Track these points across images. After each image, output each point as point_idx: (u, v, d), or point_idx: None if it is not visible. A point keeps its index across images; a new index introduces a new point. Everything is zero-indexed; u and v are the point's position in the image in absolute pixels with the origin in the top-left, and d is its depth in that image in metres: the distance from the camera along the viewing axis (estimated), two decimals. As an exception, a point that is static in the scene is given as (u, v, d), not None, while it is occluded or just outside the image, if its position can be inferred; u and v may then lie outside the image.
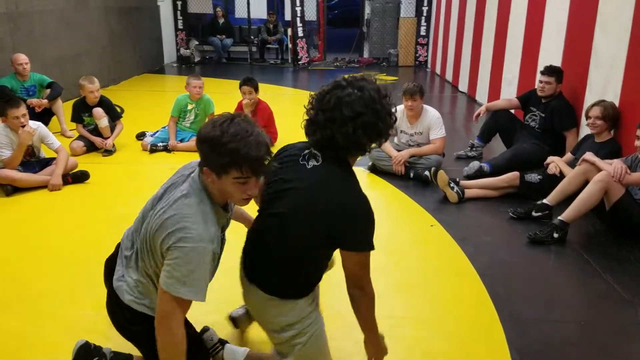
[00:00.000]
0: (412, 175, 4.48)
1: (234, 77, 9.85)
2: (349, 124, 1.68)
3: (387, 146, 4.60)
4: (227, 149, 1.57)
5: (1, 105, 4.11)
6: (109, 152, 5.15)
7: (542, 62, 4.99)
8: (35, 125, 4.24)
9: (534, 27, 5.55)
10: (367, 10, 12.50)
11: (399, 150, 4.59)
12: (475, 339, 2.41)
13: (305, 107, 1.80)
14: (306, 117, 1.79)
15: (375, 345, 1.90)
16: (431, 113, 4.54)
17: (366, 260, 1.77)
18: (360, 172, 4.72)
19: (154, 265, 1.74)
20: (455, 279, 2.95)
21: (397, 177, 4.53)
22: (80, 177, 4.38)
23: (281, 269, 1.81)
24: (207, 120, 5.52)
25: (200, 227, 1.64)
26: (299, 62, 11.72)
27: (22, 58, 5.67)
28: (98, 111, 5.17)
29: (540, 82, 4.46)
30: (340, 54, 13.14)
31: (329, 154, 1.76)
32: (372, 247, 1.74)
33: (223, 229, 1.84)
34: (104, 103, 5.29)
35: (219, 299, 2.22)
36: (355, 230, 1.72)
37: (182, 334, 1.67)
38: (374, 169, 4.69)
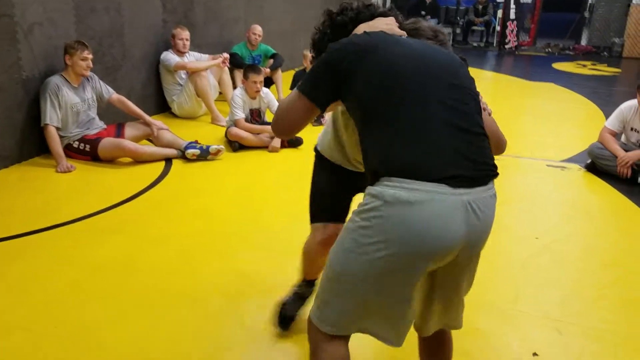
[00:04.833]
0: (639, 180, 4.00)
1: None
2: None
3: (613, 144, 4.16)
4: None
5: (246, 70, 4.66)
6: (319, 122, 5.49)
7: None
8: (264, 92, 4.70)
9: None
10: (592, -7, 11.35)
11: (626, 150, 4.12)
12: None
13: None
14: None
15: None
16: (674, 111, 3.98)
17: (290, 98, 1.50)
18: (576, 170, 4.35)
19: None
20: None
21: (620, 180, 4.07)
22: (295, 142, 4.75)
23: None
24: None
25: None
26: (506, 46, 11.11)
27: (258, 29, 6.27)
28: (314, 83, 5.54)
29: None
30: (552, 40, 12.16)
31: None
32: (301, 88, 1.46)
33: None
34: (321, 75, 5.64)
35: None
36: None
37: None
38: (593, 168, 4.28)
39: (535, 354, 2.10)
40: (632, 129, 4.18)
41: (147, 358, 2.03)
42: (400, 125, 1.34)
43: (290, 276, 2.35)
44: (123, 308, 2.32)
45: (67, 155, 3.98)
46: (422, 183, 1.27)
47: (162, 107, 5.47)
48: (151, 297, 2.42)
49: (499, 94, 7.73)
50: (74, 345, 2.08)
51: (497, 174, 1.41)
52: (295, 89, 1.50)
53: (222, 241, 3.00)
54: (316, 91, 1.45)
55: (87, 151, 4.05)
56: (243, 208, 3.48)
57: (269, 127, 4.70)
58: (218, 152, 4.29)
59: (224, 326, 2.22)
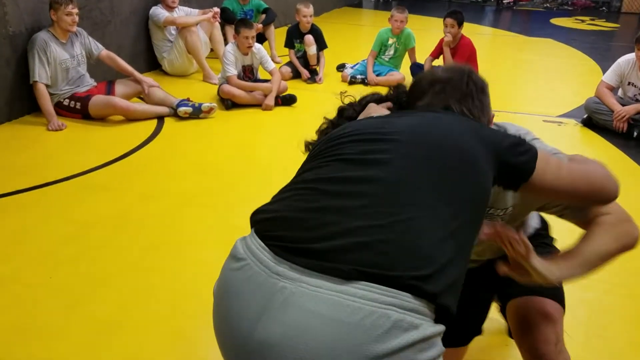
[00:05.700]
0: (635, 134, 3.98)
1: (429, 13, 9.55)
2: None
3: (610, 98, 4.12)
4: None
5: (237, 24, 4.55)
6: (312, 79, 5.40)
7: None
8: (256, 47, 4.60)
9: None
10: (592, -55, 11.07)
11: (623, 105, 4.09)
12: None
13: None
14: None
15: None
16: (672, 65, 3.93)
17: None
18: (572, 125, 4.33)
19: None
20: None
21: (616, 135, 4.06)
22: (289, 100, 4.69)
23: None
24: (406, 55, 5.59)
25: None
26: (504, 1, 10.91)
27: (248, -18, 6.10)
28: (309, 38, 5.42)
29: None
30: (551, -5, 11.95)
31: None
32: None
33: None
34: (315, 31, 5.52)
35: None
36: None
37: None
38: (589, 123, 4.25)
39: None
40: (629, 83, 4.14)
41: (140, 309, 2.04)
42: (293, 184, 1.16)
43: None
44: (117, 262, 2.33)
45: (58, 114, 3.91)
46: (254, 239, 0.97)
47: (152, 64, 5.36)
48: (144, 251, 2.42)
49: (497, 50, 7.62)
50: (68, 296, 2.09)
51: (378, 273, 0.85)
52: None
53: (216, 197, 2.99)
54: None
55: (77, 109, 3.98)
56: (236, 165, 3.46)
57: (262, 85, 4.63)
58: (210, 110, 4.23)
59: (219, 279, 2.23)
